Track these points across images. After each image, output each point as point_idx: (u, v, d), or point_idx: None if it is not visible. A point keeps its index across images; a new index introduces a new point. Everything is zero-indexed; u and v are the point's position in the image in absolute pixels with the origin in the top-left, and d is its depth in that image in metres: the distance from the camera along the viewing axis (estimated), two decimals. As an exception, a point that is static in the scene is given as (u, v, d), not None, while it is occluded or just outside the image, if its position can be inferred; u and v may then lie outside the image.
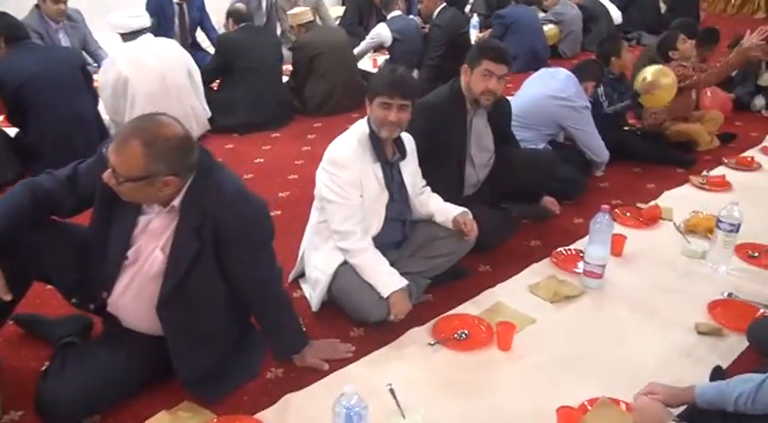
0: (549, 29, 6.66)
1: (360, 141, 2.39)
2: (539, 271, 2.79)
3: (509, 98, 3.77)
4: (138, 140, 1.70)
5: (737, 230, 2.74)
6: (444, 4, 5.40)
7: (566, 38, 6.78)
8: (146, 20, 4.00)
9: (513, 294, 2.62)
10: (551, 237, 3.09)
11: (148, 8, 5.39)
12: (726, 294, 2.61)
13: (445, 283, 2.65)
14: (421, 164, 2.77)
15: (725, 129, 4.52)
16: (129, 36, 3.93)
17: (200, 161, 1.85)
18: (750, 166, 3.97)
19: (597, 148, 3.55)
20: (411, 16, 5.73)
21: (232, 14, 4.59)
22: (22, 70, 3.54)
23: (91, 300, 2.03)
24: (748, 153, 4.22)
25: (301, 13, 4.86)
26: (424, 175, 2.78)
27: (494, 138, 3.05)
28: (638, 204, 3.42)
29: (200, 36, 5.98)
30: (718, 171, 3.90)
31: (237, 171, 3.72)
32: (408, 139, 2.58)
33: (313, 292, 2.48)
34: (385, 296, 2.29)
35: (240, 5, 4.73)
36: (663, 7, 8.45)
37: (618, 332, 2.40)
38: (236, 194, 1.86)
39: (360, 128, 2.44)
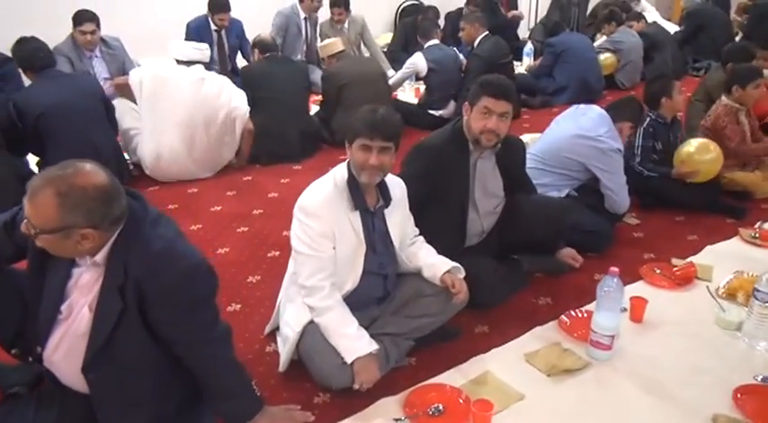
0: (605, 58, 6.28)
1: (336, 187, 2.19)
2: (542, 336, 2.49)
3: (535, 137, 3.51)
4: (51, 190, 1.56)
5: (773, 301, 2.35)
6: (486, 32, 5.15)
7: (624, 67, 6.36)
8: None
9: (507, 363, 2.33)
10: (565, 295, 2.78)
11: (188, 36, 5.47)
12: (760, 379, 2.23)
13: (433, 344, 2.40)
14: (418, 210, 2.56)
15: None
16: (184, 63, 4.03)
17: (131, 213, 1.70)
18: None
19: (621, 197, 3.20)
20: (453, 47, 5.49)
21: (257, 45, 4.52)
22: (42, 100, 3.56)
23: (29, 353, 1.91)
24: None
25: (331, 43, 4.74)
26: (422, 223, 2.56)
27: (504, 182, 2.78)
28: (674, 260, 3.04)
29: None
30: (777, 224, 3.46)
31: (248, 205, 3.71)
32: (396, 184, 2.36)
33: (282, 349, 2.29)
34: (348, 362, 2.06)
35: (265, 35, 4.65)
36: (738, 33, 7.88)
37: (620, 418, 2.07)
38: (162, 253, 1.68)
39: (338, 172, 2.24)
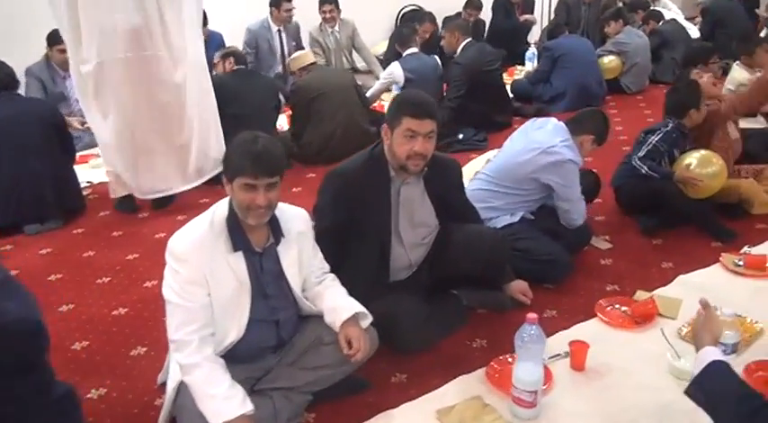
0: (609, 61, 5.88)
1: (212, 227, 1.96)
2: (465, 387, 2.19)
3: (492, 155, 3.21)
4: None
5: (734, 351, 2.01)
6: (469, 39, 4.85)
7: (629, 70, 5.94)
8: None
9: (414, 421, 2.05)
10: (504, 337, 2.43)
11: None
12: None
13: (339, 397, 2.14)
14: (336, 242, 2.31)
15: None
16: None
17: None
18: (814, 240, 3.09)
19: (575, 209, 2.89)
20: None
21: (231, 55, 4.32)
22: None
23: None
24: (818, 222, 3.32)
25: (301, 56, 4.54)
26: (343, 257, 2.31)
27: (437, 210, 2.50)
28: (639, 293, 2.70)
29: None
30: (765, 247, 3.05)
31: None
32: (296, 216, 2.11)
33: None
34: (215, 426, 1.82)
35: (236, 48, 4.47)
36: (762, 32, 7.33)
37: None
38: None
39: (218, 210, 2.01)
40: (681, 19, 7.74)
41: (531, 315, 1.95)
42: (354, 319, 2.06)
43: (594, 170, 3.47)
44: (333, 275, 2.23)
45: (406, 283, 2.51)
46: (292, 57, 4.65)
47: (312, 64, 4.54)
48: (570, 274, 2.82)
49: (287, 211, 2.11)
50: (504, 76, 6.76)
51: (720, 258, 2.93)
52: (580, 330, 2.48)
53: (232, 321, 1.98)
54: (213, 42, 5.55)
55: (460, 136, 4.68)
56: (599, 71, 5.68)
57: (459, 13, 6.95)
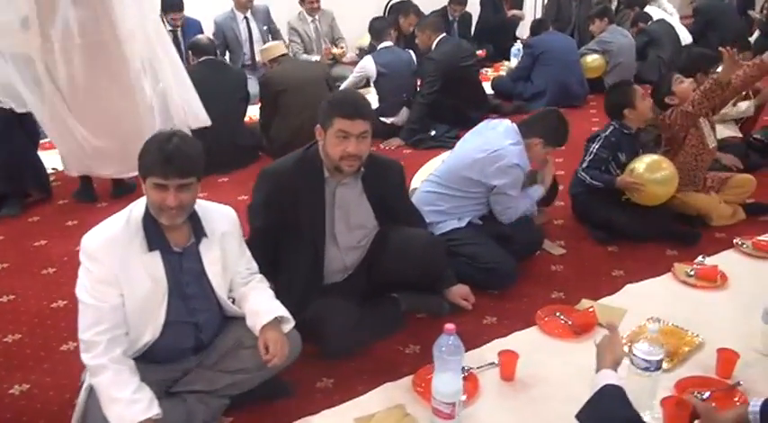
0: (592, 59, 5.80)
1: (128, 226, 1.91)
2: (390, 395, 2.15)
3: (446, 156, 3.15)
4: None
5: (657, 368, 1.96)
6: (443, 35, 4.77)
7: (613, 70, 5.85)
8: None
9: (330, 430, 2.01)
10: (438, 342, 2.43)
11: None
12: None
13: (258, 402, 2.10)
14: (270, 243, 2.28)
15: (764, 195, 3.57)
16: None
17: None
18: (769, 252, 3.02)
19: (509, 218, 2.86)
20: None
21: (191, 47, 4.27)
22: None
23: None
24: (781, 232, 3.25)
25: (272, 47, 4.47)
26: (273, 259, 2.28)
27: (376, 212, 2.45)
28: (583, 301, 2.65)
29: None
30: (721, 258, 3.00)
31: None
32: (222, 215, 2.07)
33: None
34: (118, 432, 1.78)
35: (202, 37, 4.39)
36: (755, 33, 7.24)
37: None
38: None
39: (136, 207, 1.96)
40: (674, 19, 7.65)
41: (449, 326, 1.90)
42: (275, 323, 2.02)
43: (558, 173, 3.39)
44: (260, 276, 2.19)
45: (342, 286, 2.46)
46: (262, 48, 4.59)
47: (283, 55, 4.47)
48: (514, 282, 2.76)
49: (212, 209, 2.07)
50: (490, 71, 6.77)
51: (673, 268, 2.87)
52: (517, 339, 2.43)
53: (147, 322, 1.94)
54: (190, 30, 5.49)
55: (433, 132, 4.63)
56: (580, 70, 5.60)
57: (444, 8, 6.85)
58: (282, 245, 2.36)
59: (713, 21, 6.81)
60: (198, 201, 2.02)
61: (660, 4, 7.80)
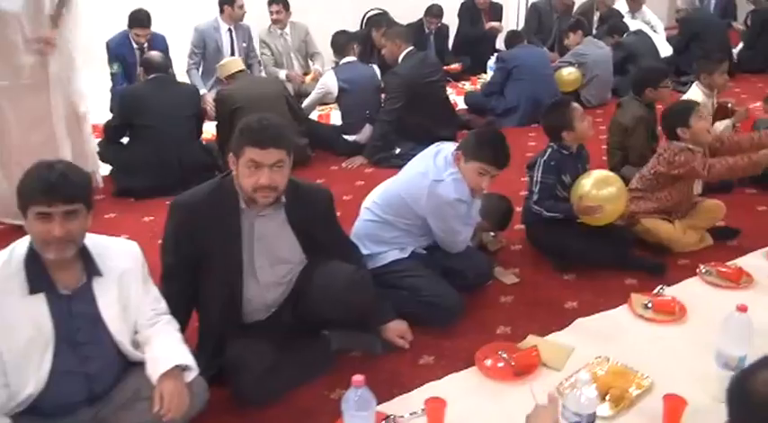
0: (568, 73, 5.63)
1: (8, 267, 1.75)
2: (305, 447, 1.98)
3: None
4: None
5: (591, 421, 1.78)
6: (411, 47, 4.61)
7: (589, 83, 5.69)
8: None
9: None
10: (373, 385, 2.24)
11: (109, 54, 5.18)
12: None
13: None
14: (178, 282, 2.14)
15: (734, 218, 3.39)
16: None
17: None
18: (735, 281, 2.83)
19: (451, 246, 2.69)
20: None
21: (144, 64, 4.11)
22: None
23: None
24: (747, 259, 3.06)
25: (228, 63, 4.33)
26: (189, 297, 2.13)
27: (303, 244, 2.28)
28: (530, 337, 2.47)
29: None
30: (682, 287, 2.82)
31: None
32: (120, 251, 1.92)
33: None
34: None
35: (155, 54, 4.24)
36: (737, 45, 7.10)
37: None
38: None
39: (18, 246, 1.80)
40: (659, 30, 7.52)
41: (357, 378, 1.73)
42: (175, 371, 1.85)
43: (507, 197, 3.21)
44: (168, 318, 2.02)
45: (265, 325, 2.28)
46: (219, 64, 4.43)
47: (240, 71, 4.32)
48: (458, 317, 2.58)
49: (109, 245, 1.90)
50: (468, 84, 6.62)
51: (629, 299, 2.69)
52: (452, 382, 2.25)
53: (28, 373, 1.77)
54: (156, 46, 5.33)
55: (397, 150, 4.46)
56: (554, 84, 5.43)
57: (420, 20, 6.71)
58: (199, 282, 2.19)
59: (698, 33, 6.64)
60: (92, 236, 1.87)
61: (643, 16, 7.67)
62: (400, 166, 4.21)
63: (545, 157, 2.95)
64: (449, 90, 6.27)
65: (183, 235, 2.12)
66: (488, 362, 2.31)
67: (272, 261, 2.23)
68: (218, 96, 4.23)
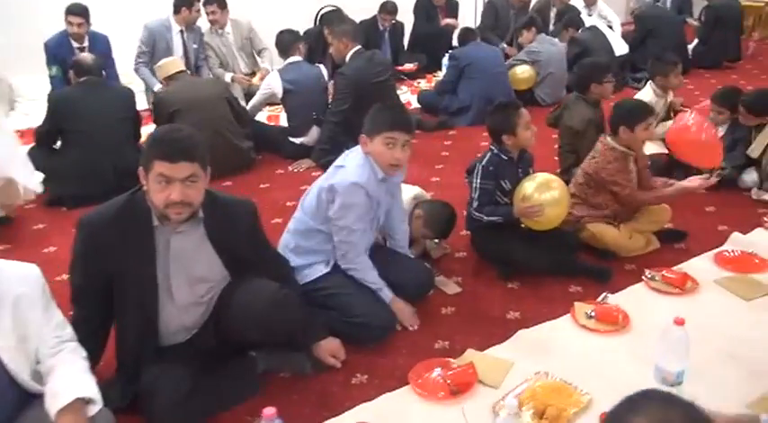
0: (522, 71, 5.56)
1: None
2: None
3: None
4: None
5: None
6: (358, 46, 4.49)
7: (543, 81, 5.63)
8: None
9: None
10: (300, 408, 2.13)
11: (48, 55, 4.97)
12: None
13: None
14: (88, 305, 2.00)
15: (683, 219, 3.35)
16: None
17: None
18: (680, 286, 2.77)
19: (347, 258, 2.52)
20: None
21: (74, 67, 3.91)
22: None
23: None
24: (694, 262, 3.01)
25: (166, 64, 4.14)
26: (102, 320, 1.99)
27: (225, 261, 2.14)
28: (468, 352, 2.37)
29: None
30: (627, 294, 2.75)
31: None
32: (13, 276, 1.76)
33: None
34: None
35: (86, 56, 4.05)
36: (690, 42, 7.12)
37: None
38: None
39: None
40: (615, 26, 7.50)
41: (268, 411, 1.60)
42: (77, 404, 1.70)
43: (449, 203, 3.09)
44: (74, 346, 1.86)
45: (185, 348, 2.14)
46: (158, 65, 4.25)
47: (179, 72, 4.14)
48: (389, 334, 2.46)
49: (2, 268, 1.74)
50: (423, 83, 6.52)
51: (572, 308, 2.61)
52: (385, 403, 2.14)
53: None
54: (97, 46, 5.11)
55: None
56: (507, 83, 5.36)
57: (374, 17, 6.58)
58: (113, 304, 2.05)
59: (652, 30, 6.64)
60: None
61: (600, 11, 7.65)
62: None
63: (483, 162, 2.85)
64: (403, 89, 6.23)
65: (92, 255, 1.97)
66: (423, 380, 2.21)
67: (190, 280, 2.09)
68: (156, 99, 4.05)
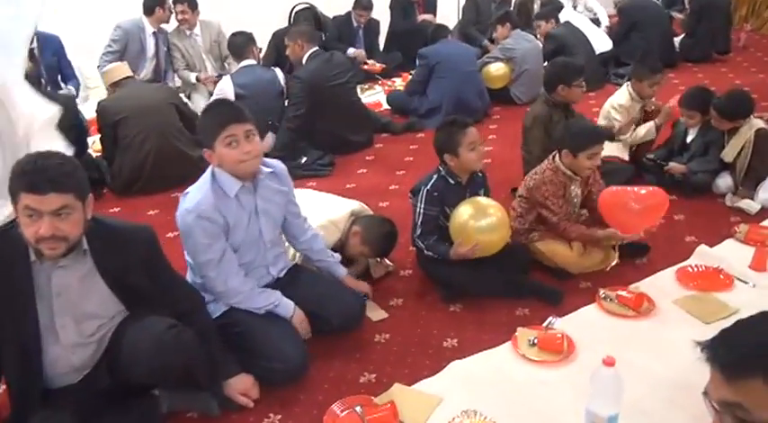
0: (496, 68, 5.34)
1: None
2: None
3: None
4: None
5: None
6: (315, 48, 4.29)
7: (518, 78, 5.40)
8: None
9: None
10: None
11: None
12: None
13: None
14: None
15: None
16: None
17: None
18: (635, 308, 2.56)
19: (212, 288, 2.27)
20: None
21: (13, 74, 3.72)
22: None
23: None
24: (654, 280, 2.80)
25: (113, 69, 3.97)
26: None
27: (119, 295, 1.96)
28: (396, 386, 2.18)
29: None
30: (576, 318, 2.55)
31: None
32: None
33: None
34: None
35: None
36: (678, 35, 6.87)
37: None
38: None
39: None
40: (602, 17, 7.28)
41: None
42: None
43: (389, 219, 2.89)
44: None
45: (78, 389, 1.96)
46: (103, 70, 4.07)
47: (126, 78, 3.96)
48: (303, 374, 2.23)
49: None
50: (399, 81, 6.31)
51: (515, 334, 2.41)
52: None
53: None
54: (48, 48, 4.92)
55: (303, 160, 4.14)
56: (480, 82, 5.15)
57: (349, 13, 6.36)
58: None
59: (636, 22, 6.40)
60: None
61: (585, 3, 7.42)
62: (307, 178, 4.01)
63: (428, 186, 2.64)
64: (376, 89, 6.03)
65: None
66: (342, 418, 2.02)
67: (77, 318, 1.91)
68: (99, 107, 3.87)
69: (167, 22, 5.32)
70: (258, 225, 2.29)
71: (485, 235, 2.51)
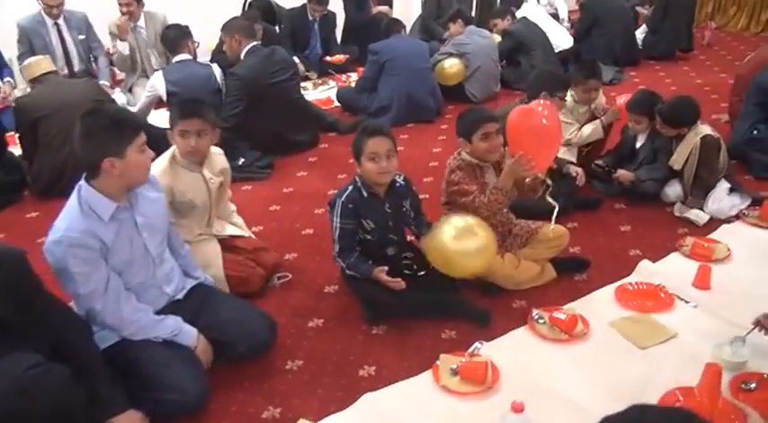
0: (450, 65, 5.14)
1: None
2: None
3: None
4: None
5: None
6: (254, 43, 4.06)
7: (472, 75, 5.21)
8: None
9: None
10: None
11: None
12: None
13: None
14: None
15: (592, 241, 3.00)
16: None
17: None
18: (568, 331, 2.40)
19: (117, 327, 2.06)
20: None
21: None
22: None
23: None
24: (591, 298, 2.65)
25: (32, 64, 3.69)
26: None
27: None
28: (303, 421, 2.00)
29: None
30: (505, 342, 2.39)
31: None
32: None
33: None
34: None
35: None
36: (641, 31, 6.74)
37: None
38: None
39: None
40: (562, 12, 7.14)
41: None
42: None
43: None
44: None
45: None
46: (23, 64, 3.80)
47: (48, 73, 3.69)
48: (202, 406, 2.05)
49: None
50: (354, 76, 6.09)
51: (437, 362, 2.24)
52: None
53: None
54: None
55: (240, 161, 3.91)
56: (432, 79, 4.95)
57: (304, 6, 6.12)
58: None
59: (598, 19, 6.26)
60: None
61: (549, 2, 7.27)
62: (243, 180, 3.80)
63: (343, 197, 2.46)
64: (330, 84, 5.81)
65: None
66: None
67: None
68: (18, 104, 3.61)
69: (57, 14, 4.89)
70: (142, 241, 2.08)
71: (464, 259, 2.27)
